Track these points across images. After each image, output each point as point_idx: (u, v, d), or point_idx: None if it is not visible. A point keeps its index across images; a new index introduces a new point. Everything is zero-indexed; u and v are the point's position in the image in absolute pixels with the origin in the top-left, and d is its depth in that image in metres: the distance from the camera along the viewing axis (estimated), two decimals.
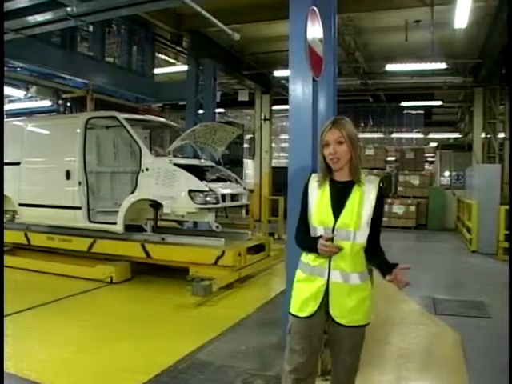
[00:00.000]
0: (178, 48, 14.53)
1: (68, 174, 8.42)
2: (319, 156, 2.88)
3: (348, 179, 2.81)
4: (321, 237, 2.73)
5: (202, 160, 8.72)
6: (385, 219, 16.57)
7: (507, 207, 10.45)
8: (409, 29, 12.31)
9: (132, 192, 7.88)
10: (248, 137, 24.06)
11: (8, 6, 8.26)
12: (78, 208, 8.30)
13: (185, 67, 14.51)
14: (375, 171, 17.66)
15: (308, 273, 2.84)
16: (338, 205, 2.77)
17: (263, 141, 19.36)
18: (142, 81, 15.20)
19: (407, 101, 20.66)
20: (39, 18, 8.76)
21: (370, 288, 2.88)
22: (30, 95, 16.50)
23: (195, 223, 10.10)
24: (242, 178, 20.23)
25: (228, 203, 7.96)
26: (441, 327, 5.87)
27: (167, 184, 7.55)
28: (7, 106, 17.28)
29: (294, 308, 2.88)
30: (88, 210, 8.31)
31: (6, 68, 13.47)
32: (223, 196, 7.73)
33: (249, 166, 23.18)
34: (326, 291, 2.76)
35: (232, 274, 7.45)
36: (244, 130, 21.04)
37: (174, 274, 7.92)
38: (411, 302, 6.95)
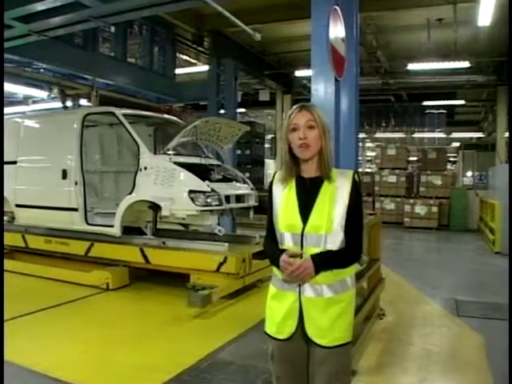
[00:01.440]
0: (199, 48, 14.56)
1: (64, 174, 8.00)
2: (283, 146, 2.51)
3: (317, 175, 2.44)
4: (284, 251, 2.38)
5: (208, 158, 8.26)
6: (406, 219, 16.48)
7: None
8: (431, 27, 12.20)
9: (130, 193, 7.36)
10: (269, 137, 24.06)
11: (31, 9, 8.37)
12: (75, 210, 7.87)
13: (206, 67, 14.56)
14: (397, 171, 17.56)
15: (278, 287, 2.47)
16: (306, 206, 2.39)
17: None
18: (164, 81, 15.27)
19: (429, 100, 20.46)
20: (62, 19, 8.86)
21: (350, 297, 2.47)
22: (53, 96, 16.67)
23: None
24: (263, 178, 20.33)
25: (233, 205, 7.44)
26: (463, 329, 5.81)
27: (166, 184, 7.02)
28: (31, 107, 17.47)
29: (271, 329, 2.50)
30: (85, 211, 7.88)
31: (29, 69, 13.66)
32: (227, 197, 7.18)
33: (270, 165, 23.17)
34: (300, 308, 2.39)
35: (236, 281, 6.88)
36: (265, 129, 21.01)
37: (176, 279, 7.32)
38: (433, 303, 6.90)
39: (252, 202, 7.94)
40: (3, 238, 7.73)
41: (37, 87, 15.29)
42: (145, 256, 7.39)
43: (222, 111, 13.48)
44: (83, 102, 16.19)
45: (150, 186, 7.12)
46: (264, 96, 18.42)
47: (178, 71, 15.93)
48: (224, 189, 7.23)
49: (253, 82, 17.56)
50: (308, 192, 2.42)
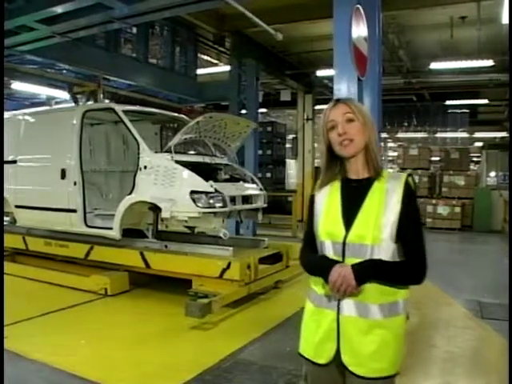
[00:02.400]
0: (220, 48, 14.62)
1: (63, 173, 7.65)
2: (322, 147, 2.25)
3: (365, 176, 2.15)
4: (337, 262, 2.07)
5: (215, 157, 7.92)
6: (428, 220, 16.32)
7: None
8: (454, 25, 12.05)
9: (130, 193, 6.99)
10: (291, 137, 24.05)
11: (54, 11, 8.47)
12: (74, 211, 7.52)
13: (227, 67, 14.57)
14: (419, 171, 17.41)
15: (316, 303, 2.19)
16: (350, 210, 2.10)
17: (306, 141, 19.22)
18: (185, 81, 15.35)
19: (452, 99, 20.25)
20: (84, 21, 8.95)
21: (400, 323, 2.11)
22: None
23: None
24: (284, 178, 20.31)
25: (239, 206, 7.04)
26: (488, 332, 5.73)
27: (166, 184, 6.60)
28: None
29: (308, 351, 2.20)
30: (84, 213, 7.51)
31: (52, 70, 13.81)
32: (232, 198, 6.78)
33: (291, 165, 23.14)
34: (338, 329, 2.08)
35: (240, 288, 6.42)
36: (286, 130, 20.98)
37: (180, 285, 6.82)
38: (456, 305, 6.82)
39: (260, 203, 7.53)
40: (3, 240, 7.62)
41: (59, 88, 15.45)
42: (145, 260, 7.05)
43: (243, 111, 13.49)
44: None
45: (150, 186, 6.75)
46: (285, 96, 18.40)
47: (199, 71, 16.01)
48: (229, 189, 6.85)
49: (274, 82, 17.55)
50: (354, 195, 2.13)
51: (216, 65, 16.69)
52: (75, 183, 7.51)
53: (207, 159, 7.47)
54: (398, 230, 2.04)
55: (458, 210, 16.30)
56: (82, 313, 6.41)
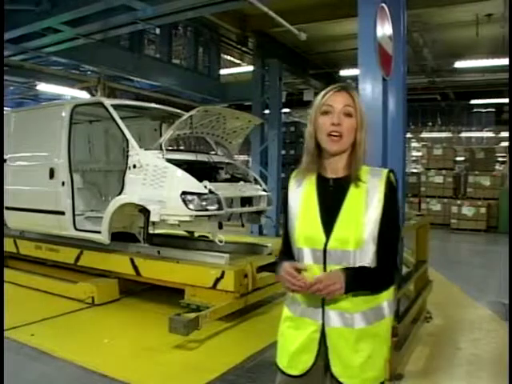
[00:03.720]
0: (243, 49, 14.62)
1: (52, 173, 7.16)
2: (308, 130, 2.01)
3: (343, 174, 1.98)
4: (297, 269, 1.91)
5: (215, 155, 7.34)
6: (453, 221, 16.12)
7: None
8: (480, 23, 11.89)
9: (119, 194, 6.46)
10: None
11: (79, 13, 8.57)
12: (62, 213, 7.01)
13: (250, 68, 14.59)
14: (444, 171, 17.22)
15: (294, 312, 2.04)
16: (329, 213, 1.93)
17: None
18: (209, 82, 15.43)
19: (477, 99, 20.00)
20: (108, 22, 9.05)
21: (386, 327, 2.02)
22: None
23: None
24: None
25: (238, 209, 6.48)
26: None
27: (156, 185, 6.02)
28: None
29: (282, 361, 2.06)
30: (73, 215, 7.00)
31: (77, 72, 13.97)
32: (229, 200, 6.23)
33: None
34: (324, 340, 1.94)
35: (236, 301, 5.73)
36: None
37: (175, 294, 6.22)
38: (481, 307, 6.73)
39: (263, 205, 6.96)
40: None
41: (84, 89, 15.64)
42: (135, 267, 6.50)
43: (266, 111, 13.50)
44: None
45: (139, 186, 6.17)
46: (308, 96, 18.30)
47: (222, 72, 16.07)
48: (227, 190, 6.26)
49: (297, 81, 17.50)
50: (332, 196, 1.96)
51: (239, 65, 16.73)
52: (63, 183, 7.02)
53: (205, 157, 6.88)
54: (379, 231, 1.91)
55: (483, 210, 16.07)
56: (57, 329, 5.69)
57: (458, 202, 16.45)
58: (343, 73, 15.78)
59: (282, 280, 1.95)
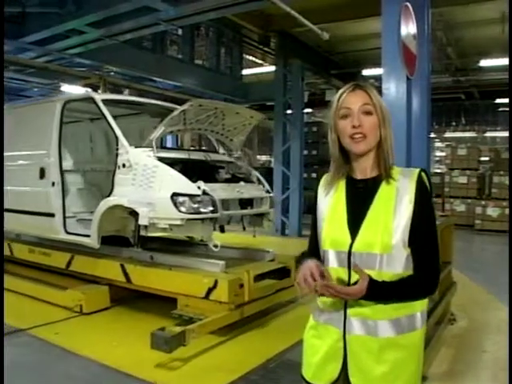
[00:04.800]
0: (265, 49, 14.63)
1: (42, 173, 6.75)
2: (331, 137, 1.92)
3: (373, 174, 1.89)
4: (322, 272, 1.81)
5: (215, 153, 6.94)
6: (477, 222, 15.93)
7: None
8: (505, 21, 11.73)
9: (108, 195, 6.02)
10: None
11: (103, 14, 8.66)
12: (52, 215, 6.59)
13: (272, 68, 14.60)
14: (468, 172, 17.01)
15: (318, 319, 1.96)
16: (357, 215, 1.84)
17: None
18: (231, 82, 15.48)
19: (503, 97, 19.74)
20: (132, 23, 9.13)
21: (417, 341, 1.88)
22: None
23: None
24: None
25: (235, 211, 6.00)
26: None
27: (145, 185, 5.57)
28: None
29: (307, 372, 1.97)
30: (64, 217, 6.58)
31: (100, 73, 14.11)
32: (226, 202, 5.72)
33: None
34: (345, 349, 1.84)
35: (230, 312, 5.20)
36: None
37: (170, 303, 5.63)
38: (506, 309, 6.61)
39: (266, 208, 6.46)
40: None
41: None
42: (126, 274, 6.05)
43: (288, 111, 13.50)
44: None
45: (128, 187, 5.74)
46: (331, 96, 18.25)
47: (244, 72, 16.10)
48: (224, 191, 5.80)
49: (319, 81, 17.47)
50: (361, 197, 1.87)
51: (261, 65, 16.75)
52: (53, 184, 6.59)
53: (202, 156, 6.44)
54: (410, 235, 1.79)
55: (508, 211, 15.85)
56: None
57: (483, 202, 16.23)
58: (366, 72, 15.70)
59: (300, 274, 1.83)
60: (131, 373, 4.31)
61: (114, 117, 7.41)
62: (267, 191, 6.58)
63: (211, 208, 5.39)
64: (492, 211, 15.94)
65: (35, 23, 9.55)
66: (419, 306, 1.87)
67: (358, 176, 1.92)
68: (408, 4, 4.60)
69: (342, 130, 1.86)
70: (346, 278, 1.83)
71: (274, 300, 6.00)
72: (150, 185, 5.52)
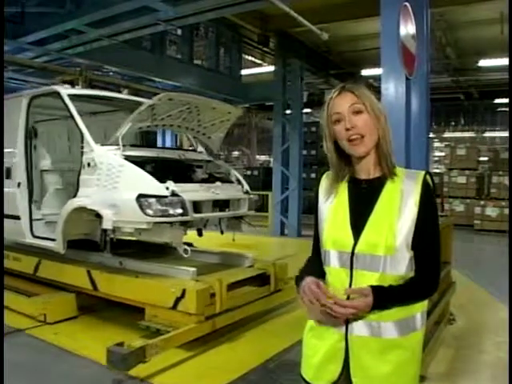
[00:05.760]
0: (264, 49, 14.65)
1: (8, 173, 6.36)
2: (326, 145, 1.90)
3: (376, 174, 1.86)
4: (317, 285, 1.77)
5: (191, 152, 6.50)
6: (476, 222, 15.94)
7: None
8: (504, 21, 11.74)
9: (74, 197, 5.55)
10: None
11: (102, 14, 8.67)
12: (18, 217, 6.19)
13: (271, 68, 14.63)
14: (467, 172, 17.03)
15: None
16: (360, 215, 1.82)
17: None
18: (230, 82, 15.47)
19: (502, 98, 19.78)
20: (131, 23, 9.13)
21: (417, 341, 1.88)
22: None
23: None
24: None
25: (208, 214, 5.54)
26: None
27: (109, 186, 5.13)
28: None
29: (307, 373, 1.95)
30: (30, 220, 6.18)
31: (99, 73, 14.10)
32: (198, 204, 5.27)
33: None
34: (346, 349, 1.81)
35: (200, 325, 4.75)
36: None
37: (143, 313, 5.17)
38: (505, 310, 6.61)
39: (244, 210, 5.99)
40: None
41: (107, 90, 15.79)
42: (92, 280, 5.59)
43: (287, 111, 13.51)
44: None
45: (93, 188, 5.31)
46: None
47: (243, 72, 16.10)
48: (196, 192, 5.36)
49: (318, 81, 17.48)
50: (364, 197, 1.85)
51: (260, 65, 16.76)
52: (19, 184, 6.21)
53: (176, 154, 6.01)
54: (414, 237, 1.78)
55: (507, 211, 15.86)
56: None
57: (482, 202, 16.24)
58: (365, 72, 15.73)
59: (302, 296, 1.81)
60: None
61: (93, 113, 7.45)
62: (246, 192, 6.13)
63: (180, 210, 4.97)
64: (491, 211, 15.95)
65: (34, 23, 9.55)
66: (419, 307, 1.87)
67: (362, 176, 1.89)
68: (407, 4, 4.61)
69: (338, 135, 1.84)
70: (346, 278, 1.81)
71: (252, 310, 5.55)
72: (114, 185, 5.11)
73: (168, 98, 5.33)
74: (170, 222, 5.09)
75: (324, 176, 2.00)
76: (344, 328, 1.80)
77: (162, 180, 5.03)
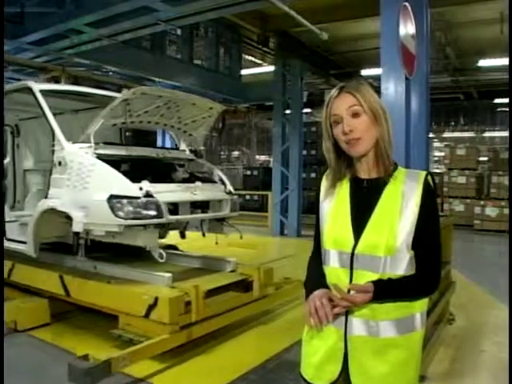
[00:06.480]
0: (264, 49, 14.64)
1: None
2: (325, 145, 1.90)
3: (376, 174, 1.86)
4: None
5: (172, 150, 6.24)
6: (476, 222, 15.94)
7: None
8: (504, 21, 11.74)
9: (46, 197, 5.21)
10: None
11: (102, 14, 8.67)
12: None
13: (271, 68, 14.63)
14: (466, 172, 17.03)
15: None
16: (361, 215, 1.81)
17: None
18: (230, 82, 15.49)
19: (501, 97, 19.78)
20: (131, 23, 9.14)
21: (417, 341, 1.86)
22: None
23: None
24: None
25: (187, 215, 5.23)
26: None
27: (80, 186, 4.82)
28: None
29: (307, 372, 1.94)
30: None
31: (99, 73, 14.11)
32: (174, 206, 5.04)
33: None
34: (346, 350, 1.82)
35: (174, 335, 4.41)
36: None
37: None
38: (505, 309, 6.61)
39: (226, 211, 5.67)
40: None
41: (107, 90, 15.79)
42: (64, 286, 5.23)
43: (287, 111, 13.52)
44: None
45: (63, 188, 5.00)
46: None
47: (243, 72, 16.12)
48: (174, 192, 5.07)
49: (318, 81, 17.48)
50: (365, 198, 1.84)
51: (260, 65, 16.76)
52: None
53: (153, 153, 5.68)
54: (414, 238, 1.77)
55: (507, 211, 15.85)
56: None
57: (482, 202, 16.25)
58: (365, 72, 15.73)
59: (310, 306, 1.81)
60: None
61: (76, 111, 7.19)
62: (229, 192, 5.80)
63: (154, 212, 4.66)
64: (491, 211, 15.95)
65: (34, 23, 9.56)
66: (419, 307, 1.86)
67: (363, 175, 1.88)
68: (407, 4, 4.61)
69: (336, 136, 1.83)
70: (346, 278, 1.81)
71: (233, 318, 5.21)
72: (85, 186, 4.81)
73: (142, 92, 5.00)
74: (144, 225, 4.76)
75: (325, 175, 1.99)
76: (343, 328, 1.81)
77: (138, 180, 4.76)
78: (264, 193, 16.50)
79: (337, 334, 1.82)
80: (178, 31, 14.26)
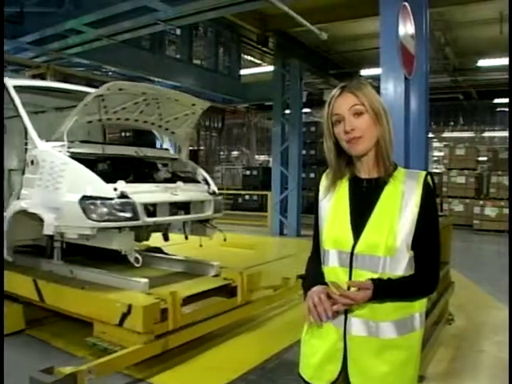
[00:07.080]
0: (263, 49, 14.65)
1: None
2: (326, 144, 1.89)
3: (376, 174, 1.85)
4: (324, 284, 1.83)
5: (153, 149, 5.95)
6: (476, 222, 15.94)
7: None
8: (504, 21, 11.74)
9: (18, 198, 4.99)
10: None
11: (101, 14, 8.67)
12: None
13: (270, 68, 14.64)
14: (466, 172, 17.03)
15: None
16: (360, 215, 1.81)
17: None
18: (229, 82, 15.50)
19: (501, 97, 19.79)
20: (130, 23, 9.14)
21: (416, 342, 1.87)
22: None
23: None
24: None
25: (165, 217, 4.98)
26: None
27: (51, 186, 4.60)
28: None
29: (306, 372, 1.94)
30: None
31: (99, 73, 14.12)
32: (152, 207, 4.77)
33: None
34: (345, 350, 1.81)
35: (148, 345, 4.12)
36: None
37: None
38: (505, 310, 6.61)
39: (209, 213, 5.41)
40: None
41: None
42: (38, 291, 4.97)
43: (287, 111, 13.52)
44: None
45: (35, 189, 4.78)
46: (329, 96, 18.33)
47: (242, 72, 16.13)
48: (153, 193, 4.82)
49: (317, 81, 17.49)
50: (365, 197, 1.84)
51: (259, 65, 16.78)
52: None
53: (132, 151, 5.42)
54: (414, 238, 1.77)
55: (506, 211, 15.85)
56: None
57: (481, 202, 16.24)
58: (364, 72, 15.72)
59: (308, 303, 1.80)
60: None
61: (59, 109, 6.85)
62: (213, 193, 5.57)
63: (130, 214, 4.42)
64: (490, 211, 15.94)
65: (33, 23, 9.56)
66: (418, 307, 1.86)
67: (363, 175, 1.88)
68: (406, 4, 4.61)
69: (338, 135, 1.83)
70: (345, 278, 1.80)
71: (215, 325, 4.93)
72: (57, 186, 4.58)
73: (118, 87, 4.75)
74: (119, 227, 4.50)
75: (324, 174, 1.98)
76: (342, 328, 1.80)
77: (114, 180, 4.52)
78: (263, 193, 16.49)
79: (336, 334, 1.81)
80: (178, 31, 14.27)
